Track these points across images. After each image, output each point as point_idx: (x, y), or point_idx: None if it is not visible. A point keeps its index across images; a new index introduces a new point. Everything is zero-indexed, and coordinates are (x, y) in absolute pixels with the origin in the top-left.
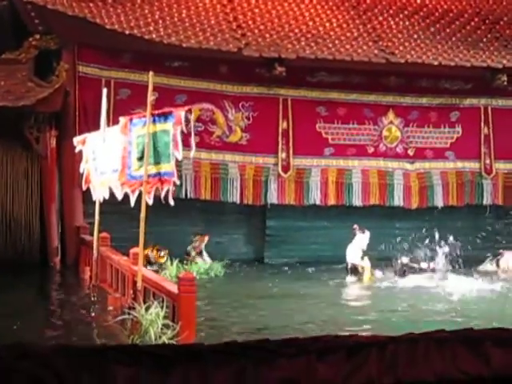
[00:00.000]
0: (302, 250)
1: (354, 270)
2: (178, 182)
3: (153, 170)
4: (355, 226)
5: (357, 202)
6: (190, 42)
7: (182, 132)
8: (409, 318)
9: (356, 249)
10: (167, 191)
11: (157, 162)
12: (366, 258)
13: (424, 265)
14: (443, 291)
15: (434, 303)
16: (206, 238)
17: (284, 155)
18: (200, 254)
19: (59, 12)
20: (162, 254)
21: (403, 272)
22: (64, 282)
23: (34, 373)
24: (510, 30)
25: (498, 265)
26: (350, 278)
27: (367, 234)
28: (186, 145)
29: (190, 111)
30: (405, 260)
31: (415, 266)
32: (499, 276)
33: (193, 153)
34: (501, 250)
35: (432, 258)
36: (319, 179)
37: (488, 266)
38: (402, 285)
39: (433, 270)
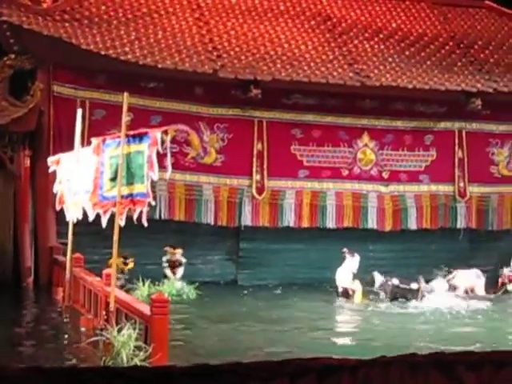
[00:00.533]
0: (276, 272)
1: (345, 294)
2: (153, 203)
3: (125, 190)
4: (345, 249)
5: (331, 224)
6: (165, 63)
7: (157, 153)
8: (396, 340)
9: (346, 272)
10: (140, 212)
11: (130, 183)
12: (356, 281)
13: (414, 286)
14: (430, 312)
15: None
16: (178, 251)
17: (258, 177)
18: (173, 271)
19: (34, 32)
20: (128, 261)
21: (394, 294)
22: (37, 302)
23: None
24: (485, 54)
25: (449, 284)
26: (340, 300)
27: (357, 257)
28: (161, 166)
29: (165, 132)
30: (395, 282)
31: (406, 287)
32: (453, 295)
33: (168, 174)
34: (453, 270)
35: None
36: (293, 201)
37: (438, 283)
38: (391, 307)
39: (422, 292)
